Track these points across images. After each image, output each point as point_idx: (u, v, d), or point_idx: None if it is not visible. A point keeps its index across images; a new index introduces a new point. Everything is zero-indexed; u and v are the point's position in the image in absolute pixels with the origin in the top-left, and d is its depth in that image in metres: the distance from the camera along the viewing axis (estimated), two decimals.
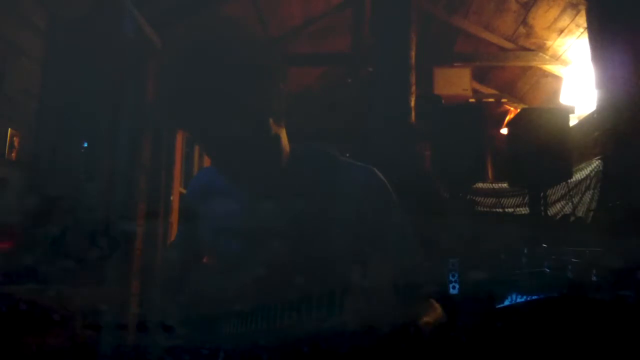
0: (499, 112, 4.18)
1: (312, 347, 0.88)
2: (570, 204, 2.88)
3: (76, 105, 2.56)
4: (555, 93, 4.07)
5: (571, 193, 2.88)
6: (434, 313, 0.93)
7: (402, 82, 3.05)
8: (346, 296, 0.86)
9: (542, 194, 2.82)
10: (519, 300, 0.78)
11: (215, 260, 1.21)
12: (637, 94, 2.43)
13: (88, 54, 2.57)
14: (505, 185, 3.18)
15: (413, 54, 3.13)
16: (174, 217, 3.45)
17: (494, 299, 0.81)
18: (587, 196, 2.82)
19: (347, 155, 1.18)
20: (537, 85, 4.49)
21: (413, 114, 3.03)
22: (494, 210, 3.22)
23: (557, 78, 4.15)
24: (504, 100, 4.56)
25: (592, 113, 3.01)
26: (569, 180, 2.84)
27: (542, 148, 2.69)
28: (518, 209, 3.16)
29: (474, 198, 3.23)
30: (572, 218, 2.78)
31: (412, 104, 3.03)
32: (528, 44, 4.08)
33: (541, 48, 4.04)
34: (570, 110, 3.14)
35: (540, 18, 3.75)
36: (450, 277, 0.78)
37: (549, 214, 2.86)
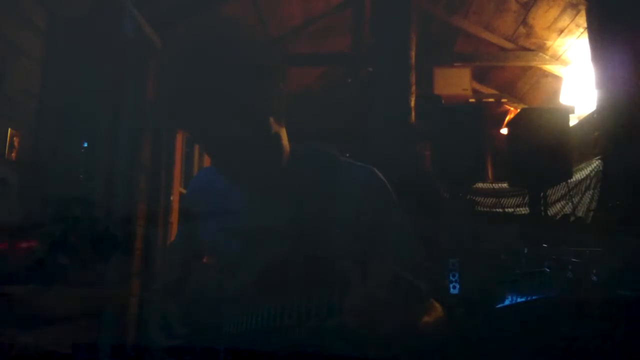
0: (499, 112, 4.18)
1: (312, 347, 0.88)
2: (570, 204, 2.88)
3: (76, 105, 2.56)
4: (555, 93, 4.07)
5: (571, 193, 2.88)
6: (434, 313, 0.93)
7: (402, 82, 3.05)
8: (346, 296, 0.86)
9: (542, 194, 2.82)
10: (519, 300, 0.78)
11: (215, 260, 1.21)
12: (637, 94, 2.43)
13: (88, 54, 2.57)
14: (505, 185, 3.18)
15: (413, 54, 3.13)
16: (174, 217, 3.45)
17: (494, 299, 0.80)
18: (587, 196, 2.82)
19: (347, 155, 1.18)
20: (537, 85, 4.49)
21: (413, 114, 3.03)
22: (494, 210, 3.22)
23: (557, 78, 4.15)
24: (504, 100, 4.56)
25: (592, 113, 3.01)
26: (569, 180, 2.83)
27: (542, 148, 2.69)
28: (518, 209, 3.16)
29: (474, 198, 3.23)
30: (572, 218, 2.78)
31: (412, 104, 3.03)
32: (528, 44, 4.08)
33: (541, 48, 4.04)
34: (570, 110, 3.14)
35: (540, 18, 3.75)
36: (451, 277, 0.78)
37: (549, 214, 2.86)
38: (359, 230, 1.05)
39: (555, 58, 4.04)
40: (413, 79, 3.08)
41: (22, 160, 2.33)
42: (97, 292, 2.33)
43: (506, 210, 3.19)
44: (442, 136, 3.19)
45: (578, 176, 2.89)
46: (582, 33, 3.62)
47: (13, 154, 2.28)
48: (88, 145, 2.83)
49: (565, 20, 3.65)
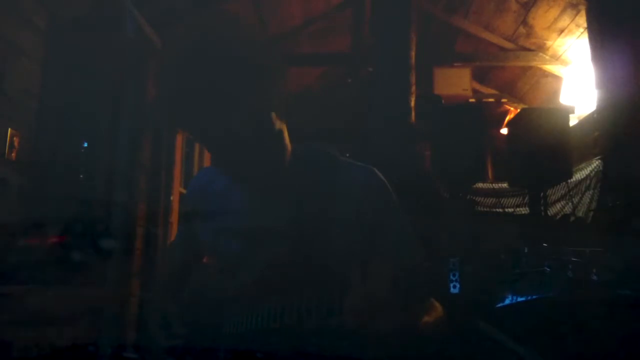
0: (499, 112, 4.18)
1: (312, 347, 0.88)
2: (570, 204, 2.88)
3: (76, 105, 2.56)
4: (555, 93, 4.07)
5: (571, 193, 2.88)
6: (434, 313, 0.93)
7: (402, 82, 3.05)
8: (346, 296, 0.86)
9: (542, 194, 2.82)
10: (519, 300, 0.78)
11: (215, 260, 1.21)
12: (637, 94, 2.43)
13: (88, 54, 2.57)
14: (505, 185, 3.18)
15: (413, 54, 3.12)
16: (174, 217, 3.45)
17: (494, 299, 0.80)
18: (587, 196, 2.82)
19: (347, 155, 1.18)
20: (537, 85, 4.49)
21: (413, 114, 3.03)
22: (494, 210, 3.22)
23: (557, 78, 4.15)
24: (504, 100, 4.55)
25: (592, 113, 3.01)
26: (569, 180, 2.83)
27: (542, 148, 2.69)
28: (518, 209, 3.16)
29: (474, 198, 3.23)
30: (572, 218, 2.78)
31: (412, 104, 3.03)
32: (528, 44, 4.08)
33: (541, 48, 4.04)
34: (570, 110, 3.13)
35: (540, 18, 3.75)
36: (451, 277, 0.78)
37: (549, 214, 2.86)
38: (359, 230, 1.05)
39: (555, 58, 4.04)
40: (413, 79, 3.07)
41: (22, 160, 2.33)
42: (97, 292, 2.33)
43: (506, 210, 3.19)
44: (442, 136, 3.19)
45: (578, 176, 2.88)
46: (582, 33, 3.62)
47: (13, 154, 2.28)
48: (88, 145, 2.83)
49: (565, 20, 3.65)
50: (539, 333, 1.12)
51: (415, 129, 3.03)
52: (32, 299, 1.81)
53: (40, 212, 2.35)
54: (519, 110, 3.96)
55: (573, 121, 3.12)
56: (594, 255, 0.75)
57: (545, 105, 4.34)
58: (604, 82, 2.70)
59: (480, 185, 3.25)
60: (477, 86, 4.72)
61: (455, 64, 4.30)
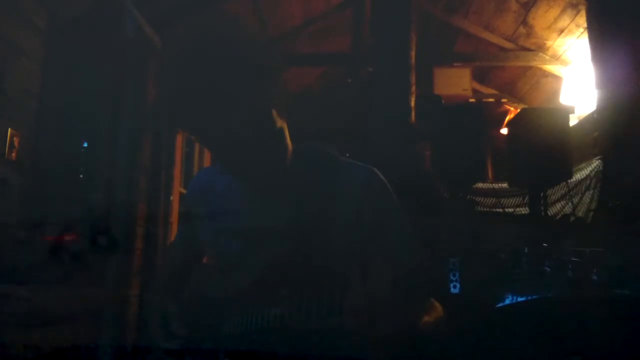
0: (499, 112, 4.18)
1: (312, 347, 0.88)
2: (570, 204, 2.88)
3: (76, 105, 2.56)
4: (555, 93, 4.07)
5: (571, 193, 2.88)
6: (434, 313, 0.93)
7: (402, 82, 3.05)
8: (346, 296, 0.86)
9: (542, 194, 2.82)
10: (519, 300, 0.78)
11: (215, 260, 1.21)
12: (637, 94, 2.43)
13: (88, 54, 2.57)
14: (505, 185, 3.18)
15: (413, 54, 3.12)
16: (174, 217, 3.45)
17: (494, 298, 0.81)
18: (587, 196, 2.82)
19: (347, 155, 1.18)
20: (537, 85, 4.49)
21: (413, 114, 3.03)
22: (494, 210, 3.22)
23: (557, 78, 4.15)
24: (504, 100, 4.55)
25: (592, 113, 3.01)
26: (569, 180, 2.83)
27: (542, 148, 2.69)
28: (518, 209, 3.16)
29: (474, 198, 3.23)
30: (572, 218, 2.78)
31: (412, 104, 3.03)
32: (528, 44, 4.08)
33: (541, 48, 4.04)
34: (570, 110, 3.13)
35: (540, 18, 3.75)
36: (451, 277, 0.79)
37: (549, 214, 2.85)
38: (359, 230, 1.05)
39: (555, 58, 4.04)
40: (413, 79, 3.07)
41: (22, 160, 2.33)
42: (97, 292, 2.33)
43: (506, 210, 3.19)
44: (442, 136, 3.19)
45: (578, 176, 2.88)
46: (582, 33, 3.61)
47: (13, 154, 2.28)
48: (88, 145, 2.83)
49: (565, 20, 3.65)
50: (539, 333, 1.12)
51: (415, 129, 3.03)
52: (32, 299, 1.81)
53: (40, 212, 2.35)
54: (519, 110, 3.97)
55: (573, 121, 3.12)
56: (594, 255, 0.75)
57: (545, 105, 4.34)
58: (604, 82, 2.70)
59: (480, 185, 3.25)
60: (477, 86, 4.72)
61: (455, 64, 4.30)
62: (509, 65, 4.40)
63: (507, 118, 4.06)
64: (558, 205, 2.98)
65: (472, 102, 4.28)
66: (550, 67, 4.15)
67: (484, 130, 3.43)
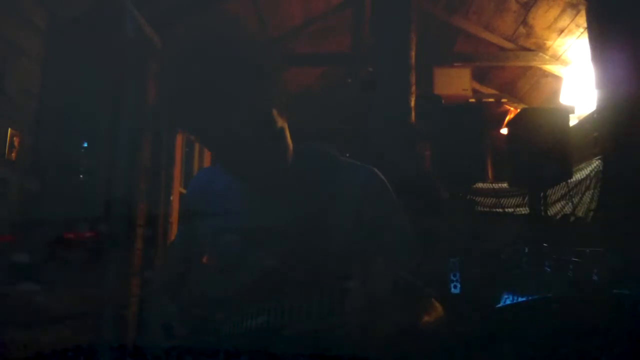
0: (499, 112, 4.18)
1: (312, 348, 0.88)
2: (570, 204, 2.88)
3: (76, 105, 2.56)
4: (555, 93, 4.07)
5: (571, 193, 2.88)
6: (434, 313, 0.94)
7: (402, 82, 3.05)
8: (346, 296, 0.86)
9: (542, 194, 2.82)
10: (519, 300, 0.78)
11: (215, 260, 1.21)
12: (637, 94, 2.43)
13: (88, 54, 2.57)
14: (505, 185, 3.18)
15: (413, 54, 3.12)
16: (174, 217, 3.44)
17: (494, 299, 0.81)
18: (587, 196, 2.82)
19: (347, 155, 1.18)
20: (537, 85, 4.49)
21: (413, 114, 3.03)
22: (494, 210, 3.22)
23: (557, 78, 4.15)
24: (504, 100, 4.55)
25: (592, 113, 3.01)
26: (569, 180, 2.83)
27: (542, 148, 2.69)
28: (518, 209, 3.16)
29: (474, 198, 3.23)
30: (572, 218, 2.78)
31: (412, 104, 3.03)
32: (528, 44, 4.08)
33: (541, 48, 4.04)
34: (570, 110, 3.13)
35: (540, 18, 3.75)
36: (452, 277, 0.79)
37: (549, 214, 2.85)
38: (359, 230, 1.05)
39: (555, 58, 4.04)
40: (413, 79, 3.07)
41: (22, 160, 2.33)
42: (97, 292, 2.33)
43: (506, 210, 3.19)
44: (442, 136, 3.19)
45: (578, 176, 2.88)
46: (582, 33, 3.62)
47: (13, 154, 2.28)
48: (88, 145, 2.83)
49: (565, 20, 3.65)
50: (539, 333, 1.12)
51: (415, 129, 3.03)
52: (32, 299, 1.81)
53: (40, 212, 2.35)
54: (519, 110, 3.97)
55: (573, 121, 3.12)
56: (594, 255, 0.75)
57: (545, 105, 4.34)
58: (604, 82, 2.70)
59: (480, 185, 3.25)
60: (477, 86, 4.72)
61: (455, 64, 4.30)
62: (509, 65, 4.40)
63: (507, 118, 4.06)
64: (558, 205, 2.98)
65: (472, 102, 4.28)
66: (550, 67, 4.15)
67: (484, 130, 3.43)
